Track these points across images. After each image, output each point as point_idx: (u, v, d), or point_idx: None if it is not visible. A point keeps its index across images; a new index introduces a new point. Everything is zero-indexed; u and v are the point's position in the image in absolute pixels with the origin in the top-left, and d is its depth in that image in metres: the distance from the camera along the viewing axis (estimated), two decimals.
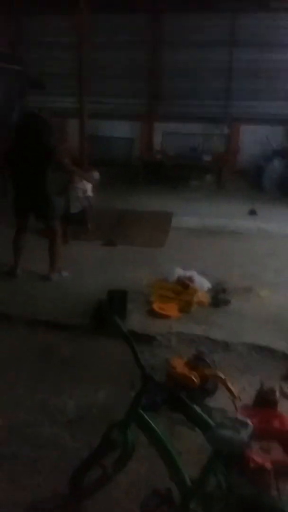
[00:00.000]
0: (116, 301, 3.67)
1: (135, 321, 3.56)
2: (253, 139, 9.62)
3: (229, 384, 2.66)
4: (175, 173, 8.88)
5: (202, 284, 4.20)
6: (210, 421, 1.62)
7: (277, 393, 2.58)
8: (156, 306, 3.72)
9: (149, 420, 1.84)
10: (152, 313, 3.68)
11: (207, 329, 3.50)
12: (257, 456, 2.12)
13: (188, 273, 4.22)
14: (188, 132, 10.10)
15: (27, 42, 10.16)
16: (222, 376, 2.68)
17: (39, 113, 5.83)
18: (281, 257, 5.19)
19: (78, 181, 5.54)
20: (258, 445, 2.27)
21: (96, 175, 7.03)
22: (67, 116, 9.47)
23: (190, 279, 4.10)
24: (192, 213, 6.83)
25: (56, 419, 2.55)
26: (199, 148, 9.72)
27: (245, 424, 1.62)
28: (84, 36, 7.43)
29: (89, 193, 6.11)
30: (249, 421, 1.65)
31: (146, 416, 1.84)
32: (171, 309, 3.72)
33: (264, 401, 2.56)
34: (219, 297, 4.04)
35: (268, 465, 2.04)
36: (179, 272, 4.25)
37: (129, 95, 10.37)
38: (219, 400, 2.74)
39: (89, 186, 6.27)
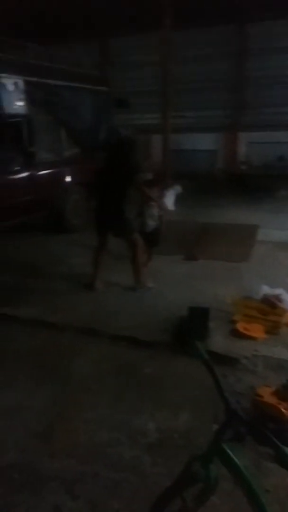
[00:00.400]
0: (197, 319, 3.57)
1: (218, 341, 3.42)
2: None
3: None
4: (261, 183, 8.55)
5: None
6: None
7: None
8: (240, 326, 3.53)
9: (232, 455, 1.70)
10: (236, 334, 3.50)
11: None
12: None
13: (276, 291, 3.96)
14: (274, 140, 9.72)
15: (112, 63, 10.62)
16: None
17: (128, 135, 6.05)
18: None
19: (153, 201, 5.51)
20: None
21: (177, 188, 7.05)
22: (150, 132, 9.66)
23: (278, 298, 3.84)
24: (279, 226, 6.49)
25: (137, 441, 2.50)
26: (287, 157, 9.27)
27: None
28: (167, 52, 7.53)
29: (170, 207, 6.05)
30: None
31: (228, 451, 1.71)
32: (257, 330, 3.51)
33: None
34: None
35: None
36: (265, 290, 4.01)
37: (212, 107, 10.32)
38: None
39: (169, 201, 6.22)
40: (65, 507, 2.09)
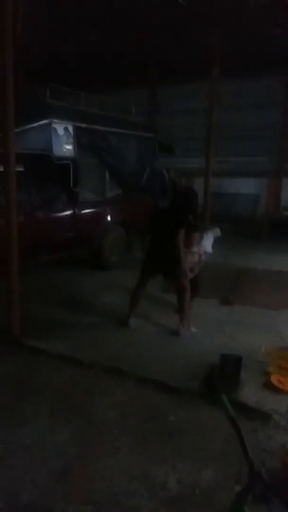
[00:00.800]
0: (229, 368, 3.44)
1: (249, 393, 3.26)
2: None
3: None
4: None
5: None
6: None
7: None
8: (274, 379, 3.36)
9: None
10: (269, 387, 3.33)
11: None
12: None
13: None
14: None
15: (160, 110, 11.10)
16: None
17: (172, 176, 6.23)
18: None
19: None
20: None
21: (217, 231, 7.01)
22: (193, 176, 9.83)
23: None
24: None
25: (157, 493, 2.38)
26: None
27: None
28: (214, 101, 7.77)
29: (208, 250, 6.01)
30: None
31: None
32: None
33: None
34: None
35: None
36: None
37: (257, 153, 10.40)
38: None
39: (207, 244, 6.19)
40: None
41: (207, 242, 7.46)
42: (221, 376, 3.37)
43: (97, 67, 9.60)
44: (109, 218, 6.41)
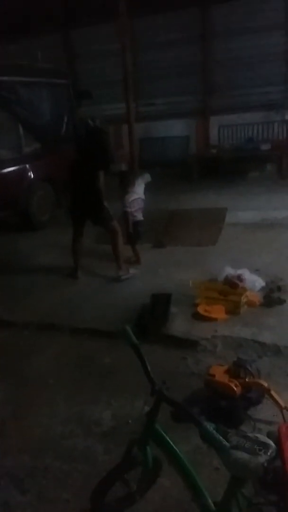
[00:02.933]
0: (159, 305, 3.56)
1: (179, 325, 3.42)
2: None
3: (274, 393, 2.43)
4: (232, 166, 8.52)
5: (254, 282, 3.92)
6: (224, 442, 1.43)
7: None
8: (201, 309, 3.53)
9: (165, 436, 1.70)
10: (197, 316, 3.50)
11: (257, 332, 3.24)
12: None
13: (238, 272, 3.96)
14: (245, 122, 9.67)
15: (74, 54, 10.49)
16: (266, 384, 2.46)
17: (97, 125, 6.00)
18: None
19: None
20: None
21: (147, 176, 6.98)
22: (120, 122, 9.55)
23: (239, 278, 3.84)
24: (249, 207, 6.48)
25: (91, 431, 2.50)
26: (257, 138, 9.25)
27: (266, 446, 1.42)
28: (126, 41, 7.43)
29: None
30: (271, 442, 1.44)
31: (162, 432, 1.71)
32: (218, 312, 3.51)
33: None
34: (272, 296, 3.74)
35: None
36: (228, 271, 4.00)
37: (182, 92, 10.21)
38: (266, 411, 2.50)
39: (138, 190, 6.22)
40: (13, 502, 2.07)
41: (139, 188, 7.45)
42: (152, 314, 3.48)
43: (2, 14, 8.79)
44: (31, 175, 6.10)
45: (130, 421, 2.52)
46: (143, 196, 6.49)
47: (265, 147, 8.62)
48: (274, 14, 9.09)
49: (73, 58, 10.49)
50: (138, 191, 7.23)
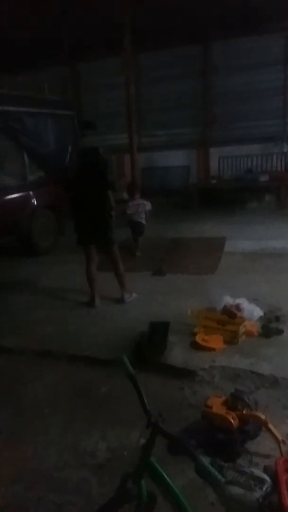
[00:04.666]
0: (157, 334, 3.55)
1: (177, 354, 3.40)
2: None
3: (271, 426, 2.40)
4: (231, 197, 8.66)
5: (253, 312, 3.93)
6: (219, 476, 1.42)
7: None
8: (199, 338, 3.52)
9: (160, 469, 1.68)
10: (195, 346, 3.49)
11: (255, 362, 3.23)
12: None
13: (237, 301, 3.97)
14: (245, 154, 9.91)
15: (80, 86, 10.86)
16: (263, 417, 2.44)
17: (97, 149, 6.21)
18: None
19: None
20: None
21: (148, 205, 7.09)
22: (123, 152, 9.78)
23: (238, 307, 3.85)
24: (248, 237, 6.56)
25: (86, 462, 2.45)
26: (256, 169, 9.44)
27: (261, 481, 1.41)
28: (130, 74, 7.71)
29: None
30: (266, 477, 1.43)
31: (156, 465, 1.69)
32: (216, 341, 3.50)
33: None
34: (270, 326, 3.74)
35: None
36: (227, 300, 4.02)
37: (184, 124, 10.52)
38: (263, 444, 2.46)
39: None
40: None
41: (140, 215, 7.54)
42: (150, 342, 3.48)
43: (10, 48, 9.15)
44: (34, 202, 6.23)
45: (125, 453, 2.48)
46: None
47: (263, 178, 8.79)
48: (273, 51, 9.48)
49: (78, 90, 10.85)
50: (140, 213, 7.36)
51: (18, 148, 5.97)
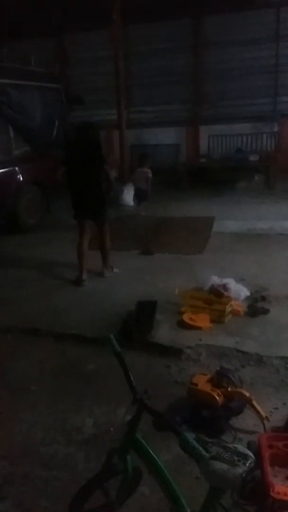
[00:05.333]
0: (144, 313, 3.56)
1: (164, 333, 3.42)
2: None
3: (255, 403, 2.45)
4: (221, 176, 8.60)
5: (239, 292, 3.96)
6: (203, 452, 1.44)
7: None
8: (186, 317, 3.55)
9: (145, 445, 1.70)
10: (182, 325, 3.52)
11: (240, 341, 3.27)
12: (280, 485, 1.89)
13: (224, 281, 3.99)
14: (235, 133, 9.80)
15: (67, 59, 10.52)
16: (247, 394, 2.48)
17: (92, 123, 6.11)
18: None
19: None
20: (285, 472, 2.05)
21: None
22: (111, 128, 9.58)
23: (225, 287, 3.87)
24: (236, 217, 6.55)
25: (73, 438, 2.48)
26: (245, 149, 9.37)
27: (245, 456, 1.43)
28: (119, 48, 7.50)
29: (128, 202, 6.24)
30: (250, 453, 1.45)
31: (142, 441, 1.71)
32: (203, 320, 3.53)
33: None
34: (257, 306, 3.78)
35: None
36: (214, 280, 4.04)
37: (173, 101, 10.31)
38: (247, 421, 2.52)
39: (127, 197, 6.43)
40: None
41: (128, 195, 7.49)
42: (137, 321, 3.49)
43: None
44: (20, 177, 6.08)
45: (111, 429, 2.51)
46: (132, 203, 6.62)
47: (253, 158, 8.74)
48: (265, 28, 9.28)
49: (66, 63, 10.52)
50: (127, 198, 7.31)
51: (3, 122, 5.79)
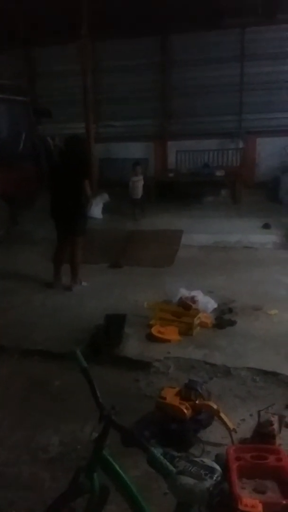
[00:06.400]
0: (113, 326, 3.54)
1: (132, 346, 3.41)
2: (270, 152, 9.45)
3: (223, 416, 2.46)
4: (188, 190, 8.74)
5: (207, 304, 4.01)
6: (170, 467, 1.43)
7: (276, 425, 2.35)
8: (154, 330, 3.55)
9: (112, 462, 1.67)
10: (151, 338, 3.51)
11: (208, 353, 3.30)
12: (248, 497, 1.90)
13: (192, 293, 4.04)
14: (202, 148, 10.00)
15: (35, 72, 10.51)
16: (215, 406, 2.50)
17: (57, 143, 6.11)
18: None
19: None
20: (252, 484, 2.06)
21: (105, 197, 7.04)
22: None
23: (193, 299, 3.91)
24: (203, 230, 6.65)
25: (38, 457, 2.41)
26: (212, 164, 9.60)
27: (212, 470, 1.43)
28: (87, 63, 7.55)
29: (97, 215, 6.21)
30: (217, 466, 1.46)
31: (109, 458, 1.68)
32: (171, 333, 3.54)
33: (262, 434, 2.33)
34: (224, 318, 3.84)
35: (259, 507, 1.82)
36: (182, 292, 4.07)
37: (142, 116, 10.44)
38: (215, 433, 2.53)
39: (96, 210, 6.40)
40: None
41: (96, 208, 7.48)
42: (105, 335, 3.46)
43: None
44: None
45: (78, 446, 2.46)
46: (101, 216, 6.62)
47: (219, 173, 8.93)
48: (230, 47, 9.60)
49: (34, 76, 10.50)
50: (96, 211, 7.30)
51: None
